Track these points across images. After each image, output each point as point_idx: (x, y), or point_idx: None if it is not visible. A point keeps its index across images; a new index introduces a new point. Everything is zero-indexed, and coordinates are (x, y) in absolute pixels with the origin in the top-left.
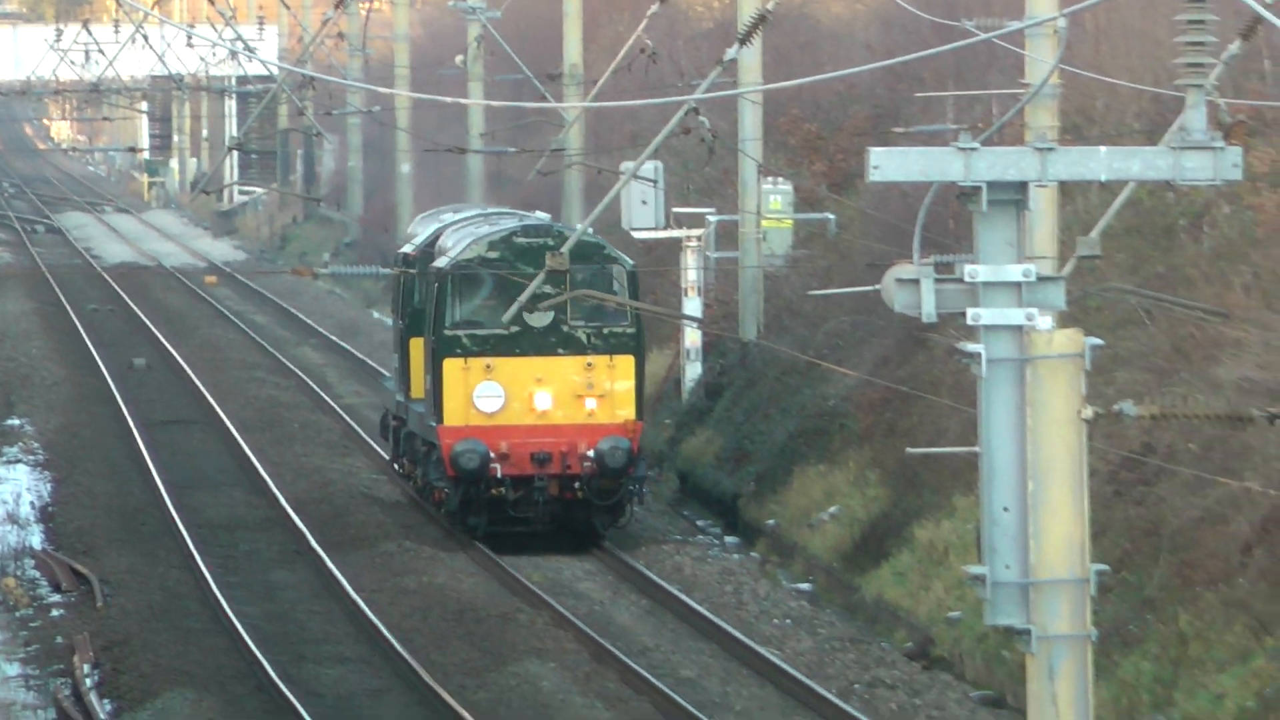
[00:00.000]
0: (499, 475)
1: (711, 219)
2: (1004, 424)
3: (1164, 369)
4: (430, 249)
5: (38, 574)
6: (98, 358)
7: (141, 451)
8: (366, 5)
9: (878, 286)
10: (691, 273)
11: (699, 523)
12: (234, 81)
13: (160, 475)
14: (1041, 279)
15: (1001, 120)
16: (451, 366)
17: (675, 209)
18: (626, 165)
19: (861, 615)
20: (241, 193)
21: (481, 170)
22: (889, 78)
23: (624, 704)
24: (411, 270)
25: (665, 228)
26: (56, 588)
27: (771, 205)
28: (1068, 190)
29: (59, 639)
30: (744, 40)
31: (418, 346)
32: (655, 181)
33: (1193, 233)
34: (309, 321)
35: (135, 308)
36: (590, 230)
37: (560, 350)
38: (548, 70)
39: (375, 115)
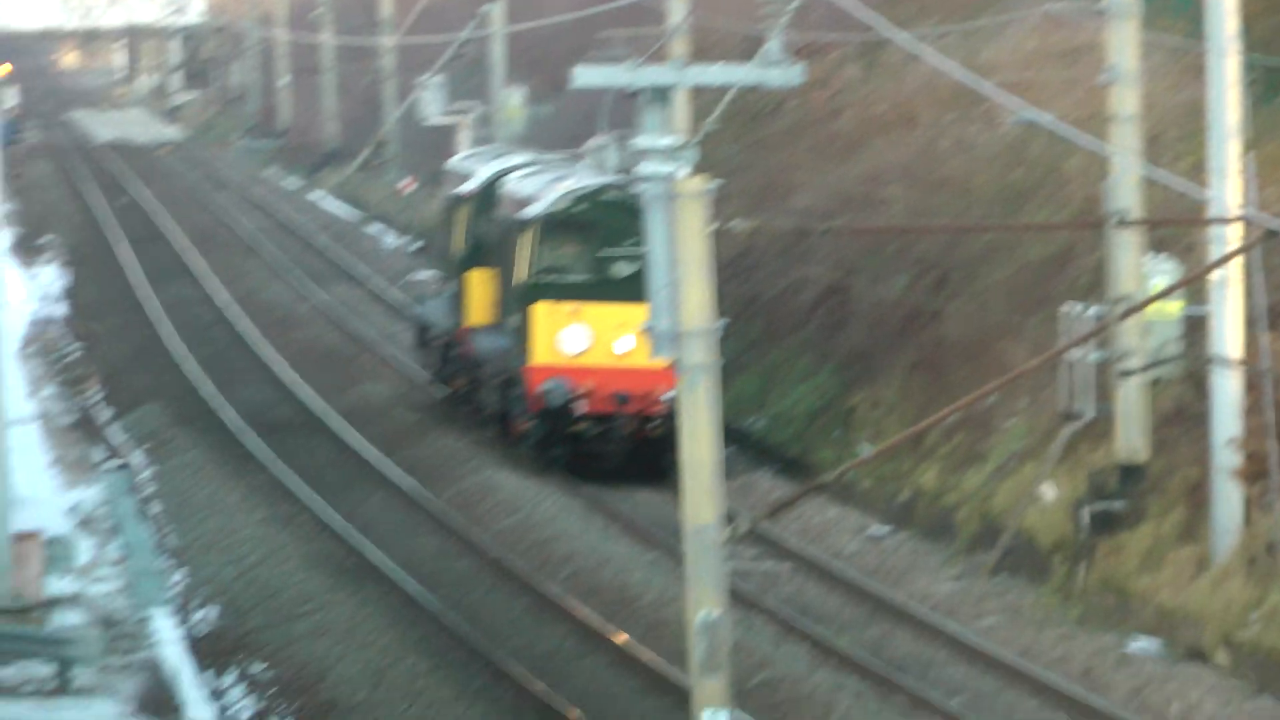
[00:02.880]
0: (581, 413)
1: (476, 110)
2: (661, 236)
3: (758, 200)
4: (491, 191)
5: (65, 332)
6: (97, 198)
7: (126, 256)
8: None
9: (583, 150)
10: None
11: None
12: (178, 28)
13: (137, 270)
14: (680, 146)
15: (654, 48)
16: (540, 310)
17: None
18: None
19: None
20: (182, 98)
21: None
22: (587, 24)
23: None
24: (462, 207)
25: (445, 116)
26: (76, 339)
27: (512, 103)
28: (697, 91)
29: (79, 373)
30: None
31: (479, 278)
32: (439, 87)
33: (773, 116)
34: (227, 176)
35: (117, 166)
36: None
37: (643, 298)
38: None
39: (267, 47)
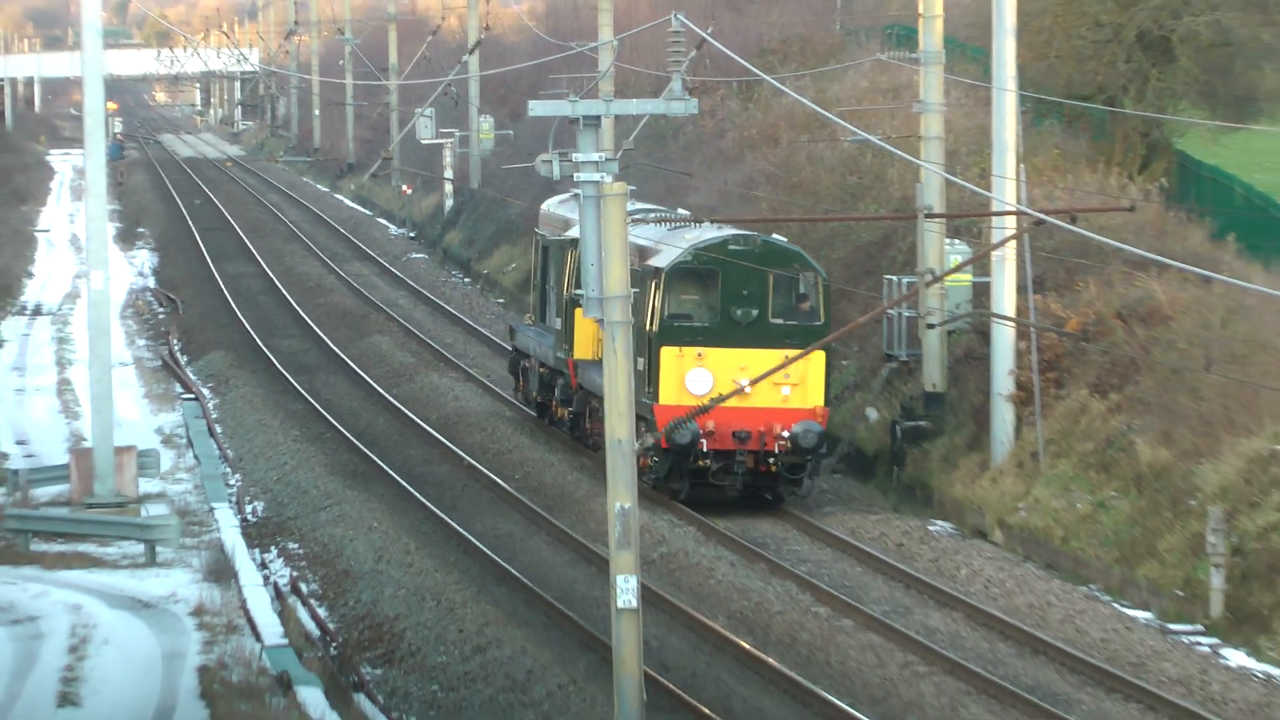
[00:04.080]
0: (705, 449)
1: (457, 134)
2: (591, 225)
3: (664, 199)
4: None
5: (153, 299)
6: (178, 200)
7: (199, 243)
8: (296, 39)
9: (536, 163)
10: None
11: None
12: (239, 74)
13: (208, 253)
14: (607, 159)
15: (589, 87)
16: (668, 354)
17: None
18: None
19: None
20: (242, 125)
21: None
22: (541, 69)
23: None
24: (571, 250)
25: (435, 138)
26: (161, 304)
27: (484, 128)
28: (619, 119)
29: (163, 329)
30: (471, 51)
31: (580, 315)
32: (430, 116)
33: (674, 138)
34: (274, 183)
35: (193, 176)
36: (786, 240)
37: (761, 344)
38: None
39: (304, 88)
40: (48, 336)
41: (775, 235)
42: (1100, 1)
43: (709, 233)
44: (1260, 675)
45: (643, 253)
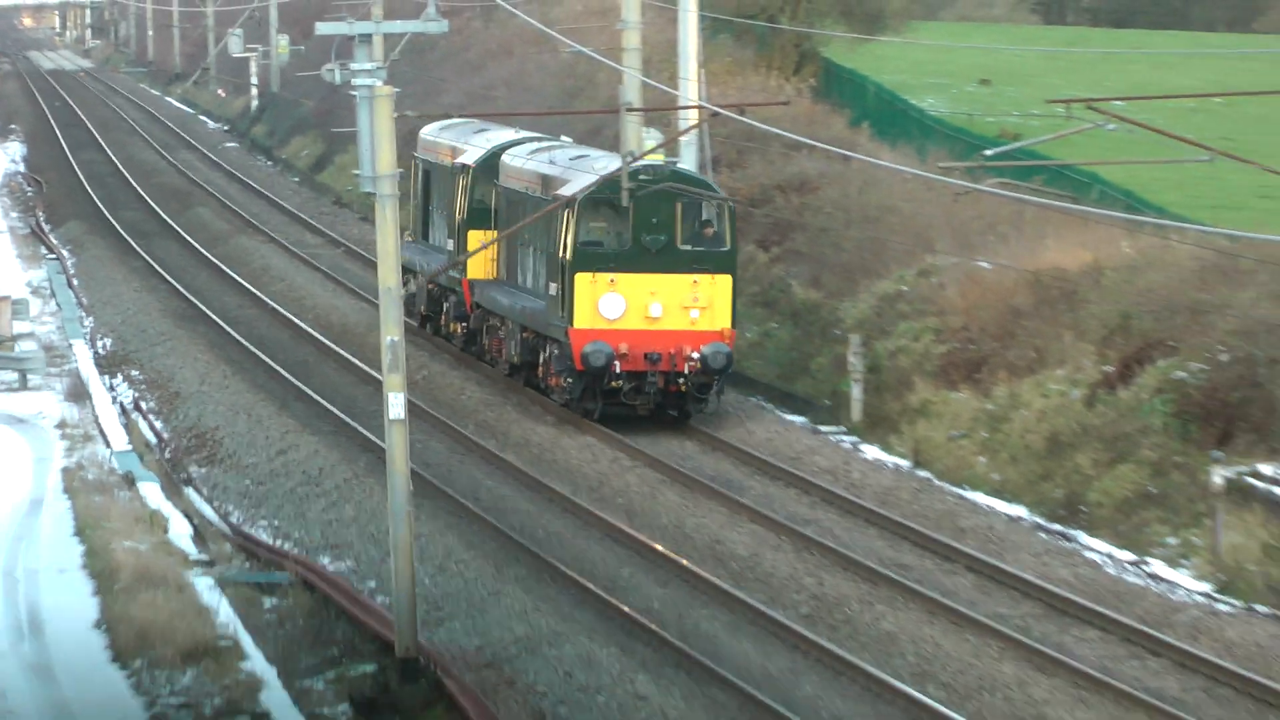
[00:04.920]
0: (618, 371)
1: (260, 49)
2: (366, 119)
3: (422, 100)
4: (494, 164)
5: (22, 180)
6: (42, 102)
7: (59, 136)
8: None
9: (321, 71)
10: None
11: None
12: (89, 2)
13: (66, 144)
14: (378, 68)
15: (363, 12)
16: (582, 279)
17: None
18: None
19: None
20: (92, 43)
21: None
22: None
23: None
24: (460, 176)
25: (243, 52)
26: (29, 184)
27: (281, 44)
28: (388, 36)
29: (30, 204)
30: None
31: (476, 236)
32: (239, 35)
33: (431, 50)
34: (118, 90)
35: (54, 84)
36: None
37: (671, 269)
38: None
39: (141, 13)
40: None
41: (681, 164)
42: None
43: (616, 161)
44: (890, 466)
45: (549, 182)
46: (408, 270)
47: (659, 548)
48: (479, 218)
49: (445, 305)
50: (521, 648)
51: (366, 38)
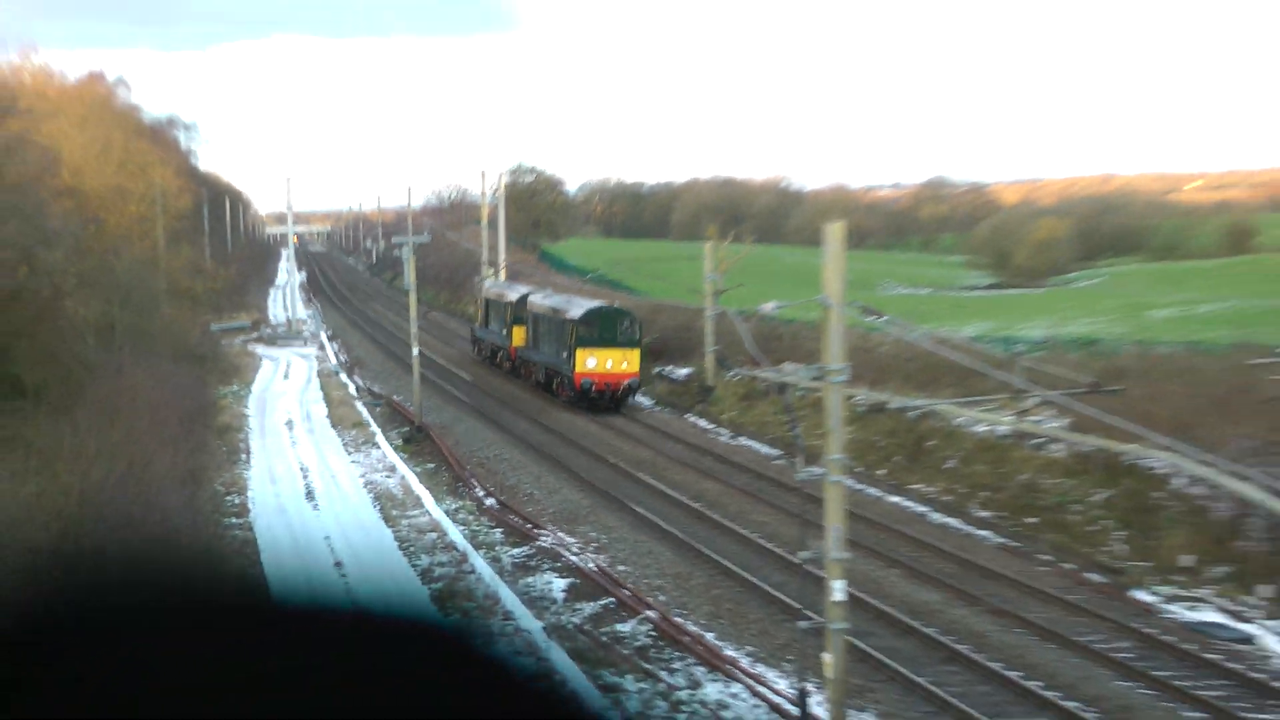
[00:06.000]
0: (593, 389)
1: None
2: (409, 265)
3: None
4: (525, 301)
5: (311, 295)
6: (318, 270)
7: (326, 292)
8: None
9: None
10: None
11: None
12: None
13: (333, 294)
14: (413, 243)
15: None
16: (580, 352)
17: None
18: None
19: None
20: None
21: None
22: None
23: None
24: (507, 305)
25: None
26: (312, 298)
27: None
28: None
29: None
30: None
31: (519, 330)
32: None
33: None
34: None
35: (314, 258)
36: (619, 306)
37: (614, 346)
38: None
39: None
40: None
41: (618, 304)
42: None
43: (590, 301)
44: (703, 426)
45: (558, 309)
46: (479, 340)
47: (587, 446)
48: (517, 322)
49: (499, 355)
50: (490, 454)
51: (403, 242)
